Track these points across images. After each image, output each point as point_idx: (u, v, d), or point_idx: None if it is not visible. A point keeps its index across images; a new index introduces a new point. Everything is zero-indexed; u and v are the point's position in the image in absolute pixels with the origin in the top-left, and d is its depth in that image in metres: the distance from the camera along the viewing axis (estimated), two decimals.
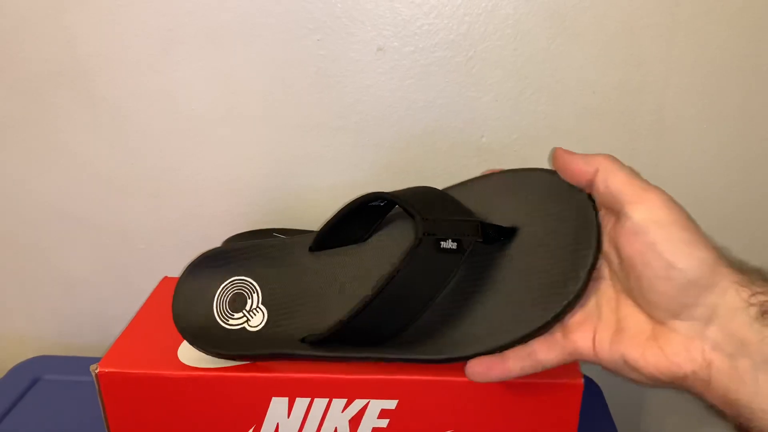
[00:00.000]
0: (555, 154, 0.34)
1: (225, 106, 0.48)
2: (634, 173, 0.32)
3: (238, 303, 0.38)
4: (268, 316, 0.37)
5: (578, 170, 0.33)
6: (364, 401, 0.35)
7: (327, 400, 0.35)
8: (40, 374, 0.50)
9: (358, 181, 0.49)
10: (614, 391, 0.49)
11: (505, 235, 0.35)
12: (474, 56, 0.46)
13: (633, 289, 0.31)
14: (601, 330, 0.32)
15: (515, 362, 0.33)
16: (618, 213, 0.31)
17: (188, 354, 0.36)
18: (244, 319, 0.37)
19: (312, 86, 0.47)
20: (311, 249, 0.39)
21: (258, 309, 0.38)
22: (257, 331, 0.37)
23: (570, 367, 0.34)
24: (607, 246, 0.33)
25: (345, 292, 0.38)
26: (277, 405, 0.35)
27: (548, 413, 0.35)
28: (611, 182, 0.31)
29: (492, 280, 0.35)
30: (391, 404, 0.35)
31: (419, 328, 0.35)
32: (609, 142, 0.47)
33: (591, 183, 0.33)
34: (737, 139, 0.47)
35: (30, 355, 0.53)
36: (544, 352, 0.32)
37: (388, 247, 0.38)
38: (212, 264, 0.38)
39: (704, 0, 0.43)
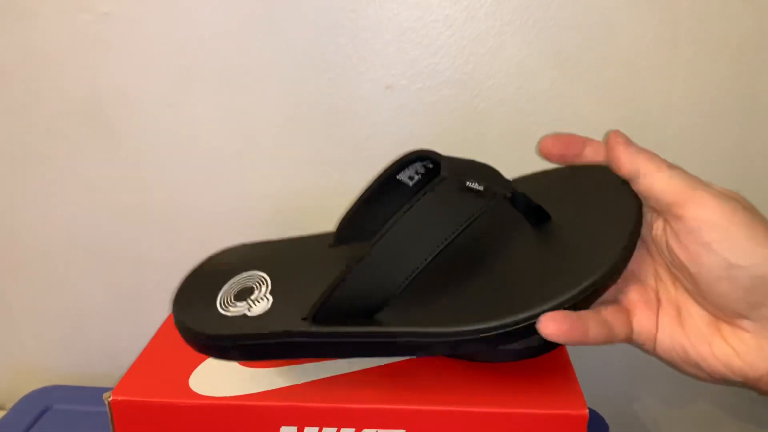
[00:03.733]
0: (609, 141, 0.33)
1: (239, 142, 0.49)
2: (678, 173, 0.30)
3: (244, 293, 0.36)
4: (272, 303, 0.35)
5: (624, 167, 0.32)
6: (372, 431, 0.35)
7: (335, 429, 0.35)
8: (50, 404, 0.51)
9: None
10: (621, 425, 0.49)
11: (540, 216, 0.34)
12: (479, 94, 0.47)
13: (692, 291, 0.30)
14: (663, 316, 0.31)
15: (595, 327, 0.30)
16: (666, 216, 0.30)
17: (200, 382, 0.37)
18: (246, 306, 0.35)
19: (323, 123, 0.48)
20: (331, 245, 0.37)
21: (264, 298, 0.36)
22: (256, 317, 0.35)
23: (574, 397, 0.34)
24: (657, 250, 0.32)
25: None
26: None
27: None
28: (654, 186, 0.30)
29: (515, 250, 0.33)
30: None
31: (428, 294, 0.32)
32: None
33: (635, 181, 0.31)
34: (736, 177, 0.48)
35: (40, 385, 0.53)
36: (618, 325, 0.31)
37: None
38: (224, 260, 0.38)
39: (703, 42, 0.45)
